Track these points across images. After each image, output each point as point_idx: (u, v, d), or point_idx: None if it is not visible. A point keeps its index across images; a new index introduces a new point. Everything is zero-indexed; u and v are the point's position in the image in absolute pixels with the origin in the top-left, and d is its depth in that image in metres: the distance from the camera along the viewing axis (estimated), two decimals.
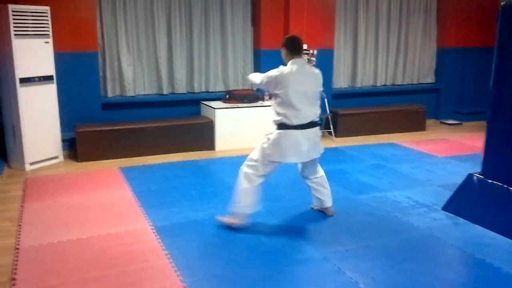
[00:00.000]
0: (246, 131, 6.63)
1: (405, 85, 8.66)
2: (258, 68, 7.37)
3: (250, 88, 7.30)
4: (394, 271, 3.29)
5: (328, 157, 6.28)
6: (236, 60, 7.32)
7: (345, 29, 7.96)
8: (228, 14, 7.10)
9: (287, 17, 7.18)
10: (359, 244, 3.70)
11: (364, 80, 8.33)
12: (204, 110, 6.85)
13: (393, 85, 8.58)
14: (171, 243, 3.67)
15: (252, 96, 6.87)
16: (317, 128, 3.94)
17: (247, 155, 6.20)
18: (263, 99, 6.91)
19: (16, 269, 3.26)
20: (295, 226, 4.04)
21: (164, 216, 4.20)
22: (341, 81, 8.15)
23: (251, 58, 7.44)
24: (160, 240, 3.73)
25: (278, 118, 3.83)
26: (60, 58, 5.80)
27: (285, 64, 3.87)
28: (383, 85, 8.49)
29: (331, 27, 7.53)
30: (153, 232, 3.88)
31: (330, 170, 5.61)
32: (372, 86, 8.42)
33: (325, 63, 7.53)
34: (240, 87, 7.36)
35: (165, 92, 6.93)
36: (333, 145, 7.02)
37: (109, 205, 4.47)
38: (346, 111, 7.61)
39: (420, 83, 8.79)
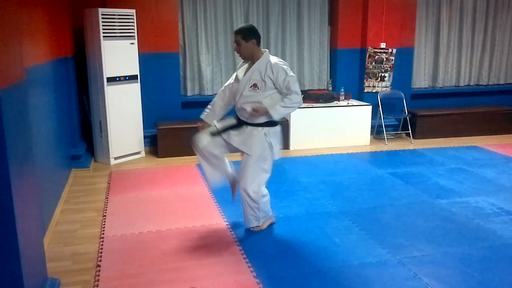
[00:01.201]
0: (321, 131, 6.61)
1: (490, 85, 8.19)
2: (334, 67, 7.31)
3: (326, 88, 7.26)
4: (475, 281, 3.14)
5: (406, 159, 6.13)
6: (312, 60, 7.30)
7: (427, 26, 7.66)
8: (305, 14, 7.09)
9: (366, 15, 7.05)
10: (437, 250, 3.57)
11: (446, 80, 7.98)
12: None
13: (477, 85, 8.15)
14: (245, 240, 3.75)
15: (327, 96, 6.82)
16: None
17: (322, 155, 6.21)
18: (338, 99, 6.84)
19: (101, 256, 3.48)
20: (368, 228, 3.96)
21: (238, 213, 4.25)
22: (421, 81, 7.86)
23: (327, 58, 7.39)
24: (234, 236, 3.81)
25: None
26: (143, 59, 6.10)
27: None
28: (466, 85, 8.08)
29: (411, 24, 7.29)
30: (228, 228, 3.97)
31: (407, 172, 5.48)
32: (455, 86, 8.04)
33: (404, 62, 7.33)
34: (316, 86, 7.34)
35: None
36: (411, 147, 6.80)
37: (186, 200, 4.64)
38: (426, 112, 7.34)
39: (507, 83, 8.28)
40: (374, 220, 4.13)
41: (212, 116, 3.92)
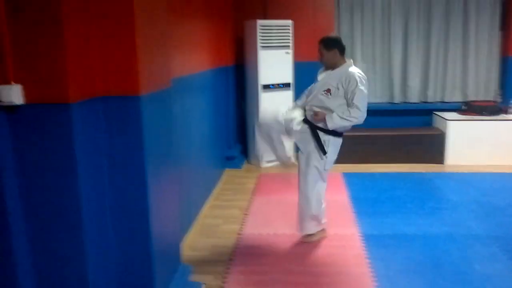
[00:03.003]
0: (482, 146, 6.04)
1: None
2: (506, 76, 6.62)
3: (493, 100, 6.62)
4: None
5: None
6: (478, 69, 6.71)
7: None
8: (472, 18, 6.55)
9: None
10: None
11: None
12: (437, 121, 6.50)
13: None
14: (375, 253, 3.67)
15: (493, 108, 6.21)
16: None
17: (481, 173, 5.68)
18: (506, 112, 6.18)
19: (235, 251, 3.75)
20: None
21: (374, 225, 4.20)
22: None
23: (497, 66, 6.71)
24: (365, 248, 3.76)
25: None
26: (297, 67, 6.31)
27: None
28: None
29: None
30: (360, 239, 3.92)
31: None
32: None
33: None
34: (480, 97, 6.73)
35: (396, 100, 6.84)
36: None
37: (325, 207, 4.68)
38: None
39: None
40: None
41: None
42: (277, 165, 4.27)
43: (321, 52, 3.67)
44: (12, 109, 2.07)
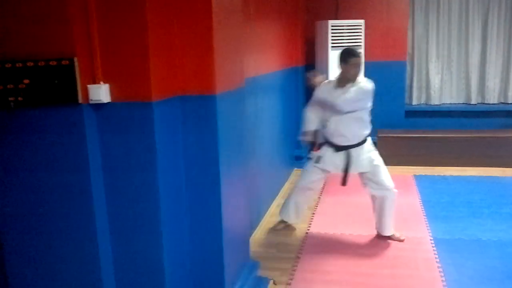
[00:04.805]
0: None
1: None
2: None
3: None
4: None
5: None
6: None
7: None
8: None
9: None
10: None
11: None
12: None
13: None
14: (447, 258, 3.57)
15: None
16: None
17: None
18: None
19: (302, 249, 3.79)
20: None
21: (446, 230, 4.08)
22: None
23: None
24: (436, 252, 3.67)
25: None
26: (368, 67, 6.21)
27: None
28: None
29: None
30: (431, 243, 3.84)
31: None
32: None
33: None
34: None
35: (473, 101, 6.57)
36: None
37: (395, 209, 4.59)
38: None
39: None
40: None
41: None
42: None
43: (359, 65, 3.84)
44: (99, 107, 2.25)
